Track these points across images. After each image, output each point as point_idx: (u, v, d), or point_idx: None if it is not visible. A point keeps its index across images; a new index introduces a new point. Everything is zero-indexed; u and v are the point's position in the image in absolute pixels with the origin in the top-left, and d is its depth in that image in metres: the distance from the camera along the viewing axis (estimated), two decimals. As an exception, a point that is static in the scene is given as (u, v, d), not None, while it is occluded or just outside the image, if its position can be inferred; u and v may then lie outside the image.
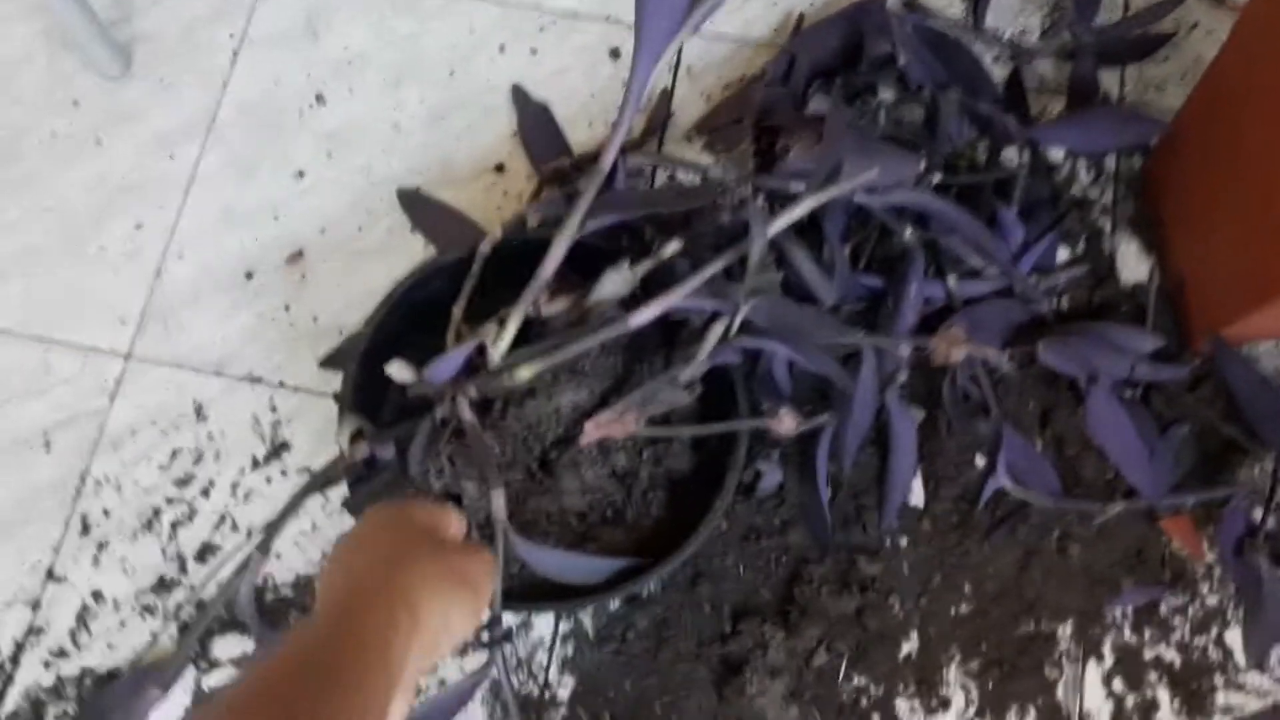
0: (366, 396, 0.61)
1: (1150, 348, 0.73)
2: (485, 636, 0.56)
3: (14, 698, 0.70)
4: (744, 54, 0.84)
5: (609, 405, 0.59)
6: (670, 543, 0.61)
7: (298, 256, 0.79)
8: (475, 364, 0.58)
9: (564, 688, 0.69)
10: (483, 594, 0.46)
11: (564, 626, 0.70)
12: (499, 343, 0.56)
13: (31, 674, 0.70)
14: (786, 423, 0.60)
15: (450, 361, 0.55)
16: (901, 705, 0.69)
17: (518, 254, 0.61)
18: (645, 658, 0.69)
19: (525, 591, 0.61)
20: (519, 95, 0.83)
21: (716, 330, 0.57)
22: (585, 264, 0.60)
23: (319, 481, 0.59)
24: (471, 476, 0.58)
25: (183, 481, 0.74)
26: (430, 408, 0.58)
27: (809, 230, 0.68)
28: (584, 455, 0.60)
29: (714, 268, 0.56)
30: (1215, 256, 0.72)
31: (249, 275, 0.79)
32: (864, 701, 0.69)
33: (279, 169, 0.81)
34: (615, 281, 0.56)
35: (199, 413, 0.76)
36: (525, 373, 0.55)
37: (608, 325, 0.55)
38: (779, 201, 0.59)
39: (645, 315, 0.55)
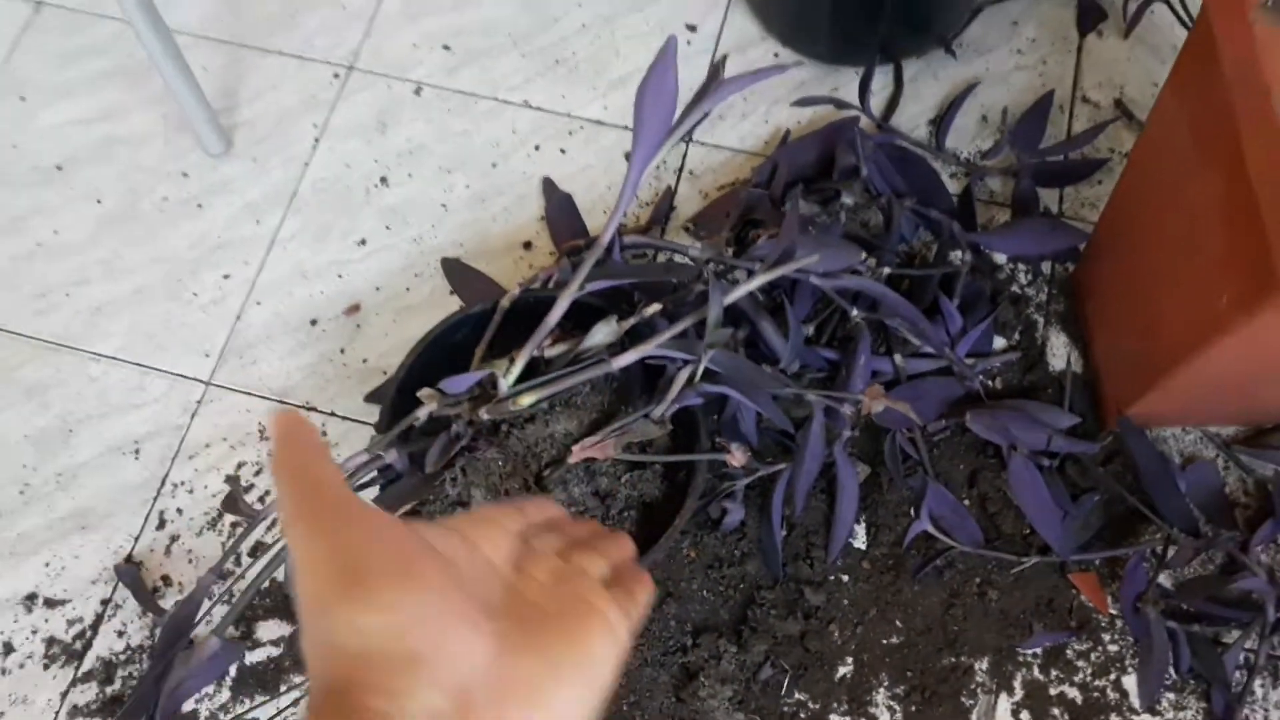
0: (398, 421, 0.76)
1: (1066, 424, 0.85)
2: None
3: (90, 659, 0.83)
4: (738, 161, 0.99)
5: (595, 434, 0.73)
6: (640, 553, 0.73)
7: (355, 309, 0.95)
8: (489, 393, 0.72)
9: (547, 683, 0.81)
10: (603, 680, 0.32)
11: (551, 630, 0.82)
12: (509, 375, 0.70)
13: (106, 641, 0.84)
14: (738, 456, 0.73)
15: (465, 380, 0.69)
16: None
17: (531, 309, 0.75)
18: (617, 661, 0.81)
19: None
20: (548, 186, 0.99)
21: (683, 376, 0.71)
22: (584, 319, 0.74)
23: (345, 474, 0.72)
24: (479, 485, 0.72)
25: (245, 489, 0.88)
26: (448, 426, 0.72)
27: (781, 309, 0.82)
28: (572, 474, 0.74)
29: (683, 325, 0.70)
30: (1120, 350, 0.84)
31: (313, 322, 0.95)
32: (802, 714, 0.80)
33: (345, 236, 0.98)
34: (604, 332, 0.71)
35: (262, 434, 0.90)
36: (527, 400, 0.69)
37: (595, 365, 0.69)
38: (742, 278, 0.73)
39: (626, 359, 0.69)
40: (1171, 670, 0.79)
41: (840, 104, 0.96)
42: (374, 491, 0.84)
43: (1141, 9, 1.00)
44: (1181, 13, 0.98)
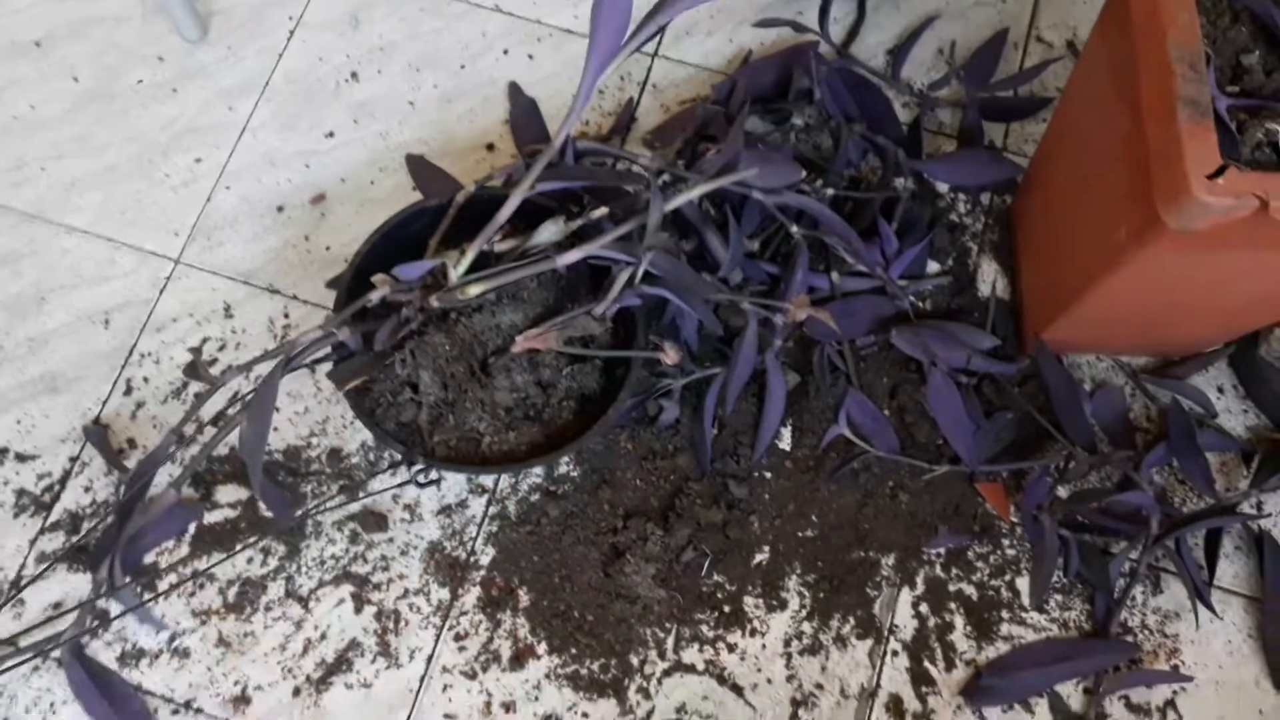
0: (353, 302, 0.80)
1: (986, 345, 0.90)
2: (420, 479, 0.75)
3: (58, 511, 0.89)
4: (701, 78, 1.03)
5: (539, 326, 0.77)
6: (575, 439, 0.79)
7: (320, 198, 0.98)
8: (440, 282, 0.77)
9: (485, 556, 0.87)
10: None
11: (493, 509, 0.88)
12: (459, 265, 0.74)
13: (74, 496, 0.89)
14: (670, 355, 0.78)
15: (417, 268, 0.73)
16: (749, 601, 0.87)
17: (486, 206, 0.79)
18: (552, 539, 0.87)
19: (460, 458, 0.79)
20: (514, 90, 1.02)
21: (624, 276, 0.75)
22: (534, 218, 0.78)
23: (298, 348, 0.76)
24: (427, 366, 0.77)
25: (208, 363, 0.93)
26: (399, 311, 0.76)
27: (728, 225, 0.87)
28: (516, 363, 0.79)
29: (626, 228, 0.75)
30: (1040, 278, 0.89)
31: (280, 209, 0.98)
32: (719, 595, 0.87)
33: (314, 128, 1.01)
34: (551, 230, 0.75)
35: (227, 311, 0.95)
36: (475, 289, 0.74)
37: (541, 261, 0.74)
38: (685, 187, 0.78)
39: (570, 257, 0.74)
40: (1060, 574, 0.86)
41: (800, 28, 0.99)
42: (327, 366, 0.89)
43: (1101, -48, 1.03)
44: (1137, -42, 1.01)
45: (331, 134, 1.00)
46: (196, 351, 0.92)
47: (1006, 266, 0.96)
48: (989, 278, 0.95)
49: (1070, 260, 0.81)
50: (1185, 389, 0.90)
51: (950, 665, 0.85)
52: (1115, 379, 0.93)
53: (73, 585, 0.86)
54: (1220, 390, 0.92)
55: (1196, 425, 0.87)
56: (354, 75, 1.03)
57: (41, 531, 0.88)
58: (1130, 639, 0.85)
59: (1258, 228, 0.56)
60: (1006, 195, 0.98)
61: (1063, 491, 0.88)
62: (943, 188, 0.98)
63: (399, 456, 0.88)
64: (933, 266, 0.96)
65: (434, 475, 0.83)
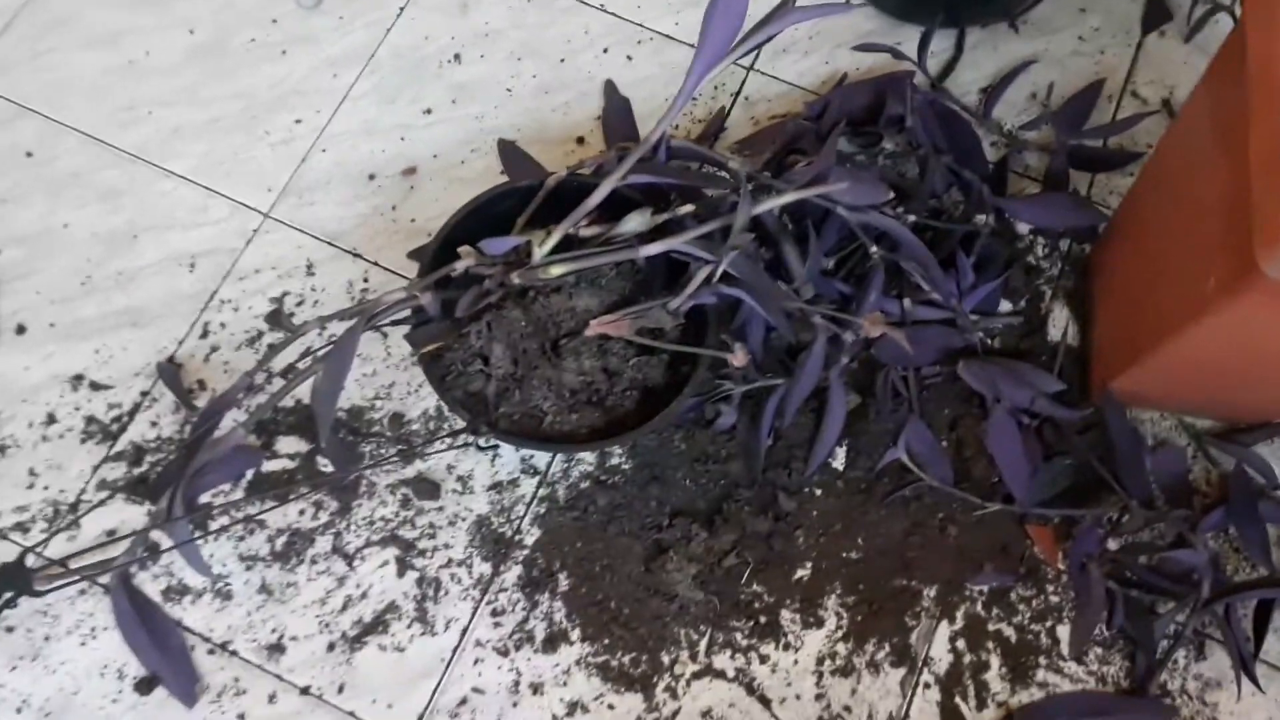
0: (437, 269, 0.82)
1: (1052, 389, 0.90)
2: (483, 444, 0.76)
3: (123, 442, 0.91)
4: (793, 96, 1.04)
5: (614, 314, 0.79)
6: (633, 430, 0.80)
7: (412, 171, 1.01)
8: (523, 260, 0.78)
9: (530, 536, 0.88)
10: None
11: (543, 491, 0.89)
12: (544, 245, 0.76)
13: (140, 429, 0.92)
14: (739, 356, 0.79)
15: (503, 243, 0.75)
16: (786, 615, 0.86)
17: (574, 193, 0.81)
18: (597, 528, 0.88)
19: (522, 433, 0.81)
20: (609, 88, 1.04)
21: (702, 273, 0.76)
22: (620, 210, 0.80)
23: (381, 306, 0.78)
24: (501, 340, 0.78)
25: (288, 316, 0.95)
26: (481, 283, 0.78)
27: (806, 238, 0.87)
28: (586, 347, 0.80)
29: (710, 226, 0.76)
30: (1116, 329, 0.89)
31: (371, 177, 1.01)
32: (757, 604, 0.87)
33: (413, 103, 1.04)
34: (637, 220, 0.76)
35: (309, 269, 0.97)
36: (557, 270, 0.75)
37: (624, 249, 0.75)
38: (773, 194, 0.79)
39: (653, 249, 0.75)
40: (1103, 627, 0.85)
41: (899, 55, 1.00)
42: (398, 333, 0.91)
43: (1206, 16, 1.03)
44: (1243, 24, 1.01)
45: (429, 111, 1.03)
46: (277, 302, 0.95)
47: (1079, 314, 0.95)
48: (1060, 323, 0.95)
49: (1150, 311, 0.80)
50: (1249, 456, 0.89)
51: (982, 704, 0.84)
52: (1178, 439, 0.92)
53: (128, 515, 0.89)
54: (1285, 463, 0.91)
55: (1258, 494, 0.86)
56: (457, 57, 1.05)
57: (106, 460, 0.90)
58: (1168, 701, 0.84)
59: (1356, 287, 0.56)
60: (1086, 244, 0.98)
61: (1113, 545, 0.87)
62: (1023, 229, 0.98)
63: (459, 426, 0.89)
64: (1004, 306, 0.96)
65: (493, 443, 0.84)
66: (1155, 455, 0.89)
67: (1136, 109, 1.03)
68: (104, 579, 0.85)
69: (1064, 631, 0.86)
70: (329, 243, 0.98)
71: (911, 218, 0.91)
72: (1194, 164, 0.73)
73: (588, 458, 0.90)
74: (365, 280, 0.97)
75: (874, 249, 0.87)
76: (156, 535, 0.86)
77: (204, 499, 0.89)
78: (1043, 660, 0.85)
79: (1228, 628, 0.83)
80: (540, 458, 0.90)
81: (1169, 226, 0.79)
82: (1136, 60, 1.05)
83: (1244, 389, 0.84)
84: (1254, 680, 0.83)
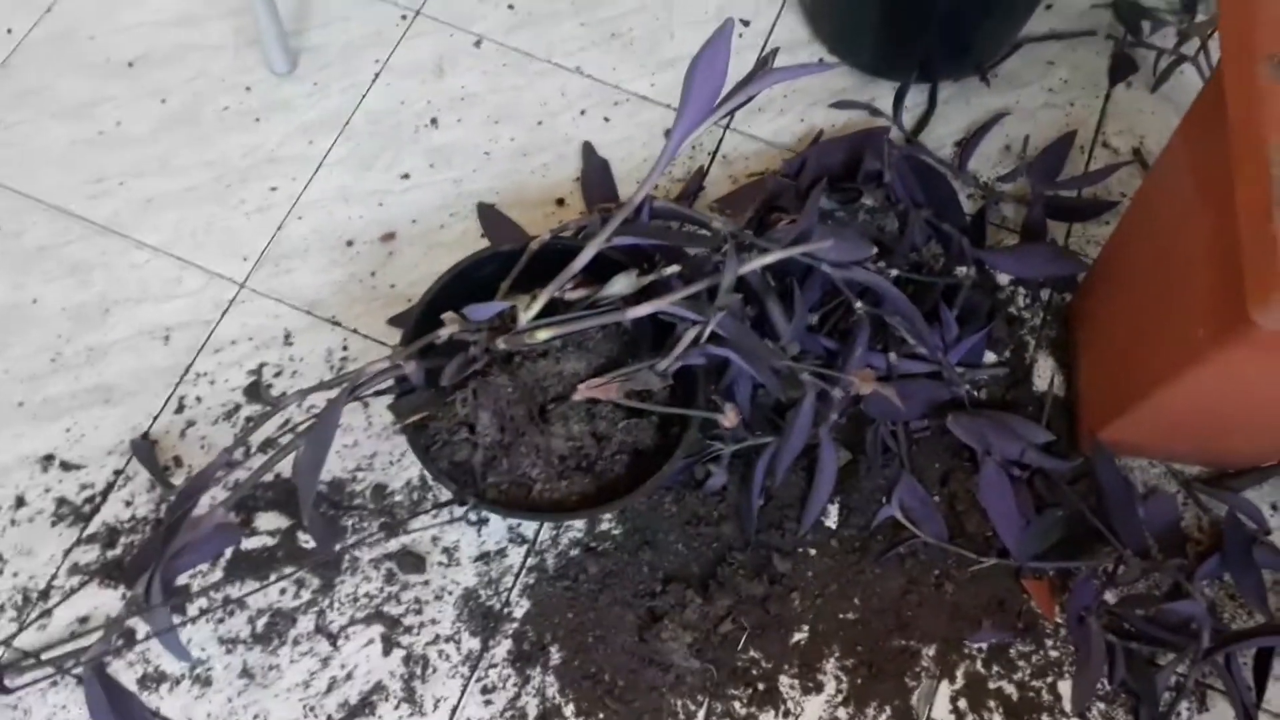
0: (421, 337, 0.81)
1: (1041, 440, 0.90)
2: (472, 516, 0.74)
3: (96, 523, 0.88)
4: (770, 153, 1.04)
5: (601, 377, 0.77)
6: (625, 496, 0.78)
7: (390, 236, 1.00)
8: (508, 325, 0.77)
9: (519, 608, 0.86)
10: None
11: (531, 560, 0.87)
12: (529, 310, 0.75)
13: (114, 509, 0.89)
14: (730, 417, 0.78)
15: (488, 309, 0.74)
16: (784, 680, 0.84)
17: (557, 256, 0.80)
18: (589, 597, 0.86)
19: (510, 503, 0.79)
20: (588, 150, 1.04)
21: (690, 334, 0.76)
22: (605, 272, 0.79)
23: (364, 377, 0.76)
24: (487, 407, 0.77)
25: (265, 387, 0.93)
26: (466, 350, 0.77)
27: (790, 295, 0.87)
28: (574, 412, 0.78)
29: (697, 287, 0.75)
30: (1102, 378, 0.89)
31: (349, 243, 1.00)
32: (754, 671, 0.85)
33: (390, 168, 1.03)
34: (623, 282, 0.76)
35: (287, 339, 0.95)
36: (543, 334, 0.74)
37: (611, 312, 0.74)
38: (757, 253, 0.78)
39: (640, 310, 0.74)
40: (1105, 681, 0.84)
41: (875, 112, 1.01)
42: (379, 402, 0.89)
43: (1171, 67, 1.05)
44: (1207, 73, 1.03)
45: (407, 175, 1.02)
46: (255, 374, 0.93)
47: (1063, 363, 0.95)
48: (1045, 372, 0.95)
49: (1137, 360, 0.80)
50: (1240, 502, 0.89)
51: (987, 765, 0.82)
52: (1167, 486, 0.92)
53: (102, 600, 0.85)
54: (1274, 507, 0.91)
55: (1251, 540, 0.86)
56: (433, 121, 1.05)
57: (78, 543, 0.87)
58: (1175, 755, 0.82)
59: (1347, 337, 0.56)
60: (1066, 293, 0.98)
61: (1110, 596, 0.87)
62: (1003, 280, 0.99)
63: (444, 498, 0.87)
64: (989, 357, 0.96)
65: (484, 515, 0.82)
66: (1147, 504, 0.89)
67: (1108, 159, 1.04)
68: (77, 670, 0.82)
69: (1065, 687, 0.85)
70: (307, 311, 0.96)
71: (894, 272, 0.91)
72: (1176, 215, 0.74)
73: (577, 524, 0.88)
74: (345, 348, 0.95)
75: (858, 304, 0.86)
76: (133, 621, 0.83)
77: (181, 580, 0.86)
78: (1046, 718, 0.84)
79: (1229, 677, 0.82)
80: (528, 526, 0.88)
81: (1153, 276, 0.79)
82: (1106, 111, 1.07)
83: (1234, 436, 0.84)
84: (1258, 730, 0.82)
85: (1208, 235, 0.67)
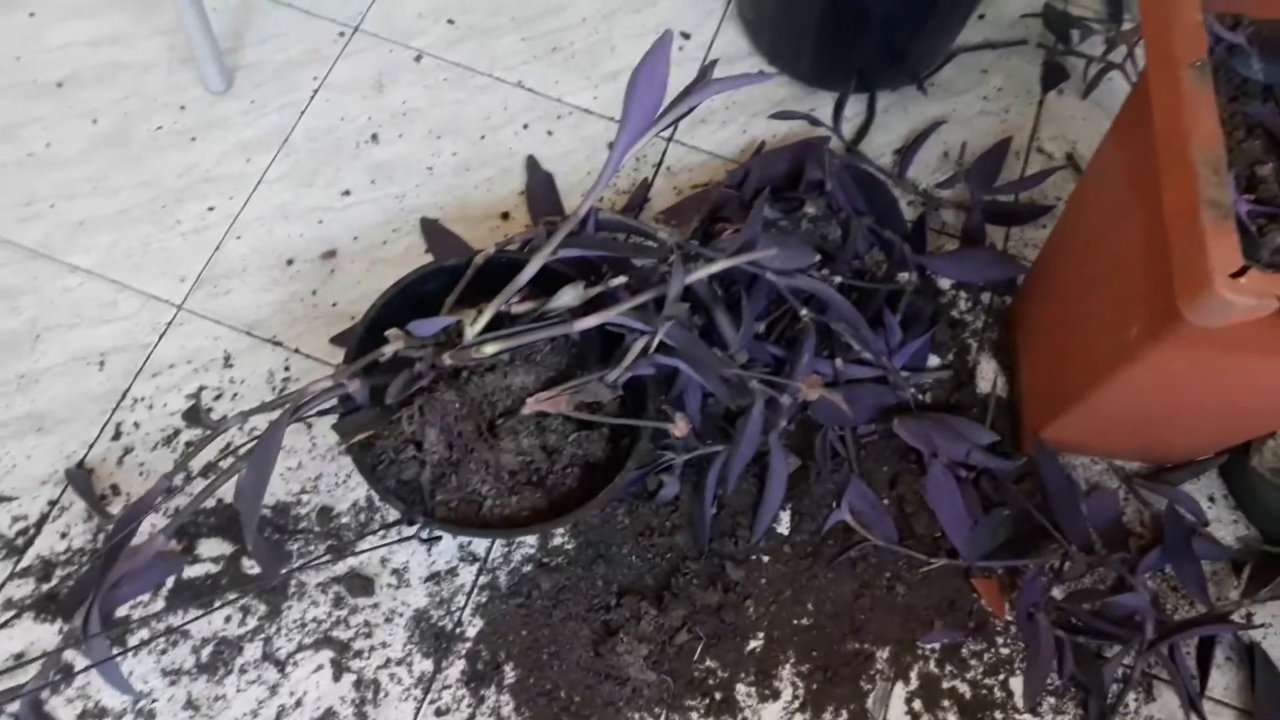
0: (365, 355, 0.79)
1: (985, 440, 0.91)
2: (424, 535, 0.73)
3: (30, 556, 0.85)
4: (714, 165, 1.05)
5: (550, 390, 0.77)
6: (577, 508, 0.78)
7: (331, 254, 0.98)
8: (454, 340, 0.77)
9: (473, 627, 0.85)
10: None
11: (483, 579, 0.86)
12: (475, 324, 0.74)
13: (49, 541, 0.86)
14: (681, 426, 0.78)
15: (432, 324, 0.73)
16: (741, 689, 0.84)
17: (502, 270, 0.79)
18: (543, 614, 0.85)
19: (460, 520, 0.78)
20: (532, 163, 1.03)
21: (639, 345, 0.76)
22: (552, 285, 0.79)
23: (307, 397, 0.75)
24: (435, 424, 0.76)
25: (205, 411, 0.91)
26: (411, 366, 0.76)
27: (738, 304, 0.87)
28: (524, 426, 0.78)
29: (644, 297, 0.75)
30: (1042, 378, 0.91)
31: (289, 262, 0.98)
32: (711, 681, 0.85)
33: (330, 185, 1.02)
34: (570, 294, 0.75)
35: (227, 360, 0.94)
36: (490, 349, 0.73)
37: (558, 324, 0.74)
38: (703, 263, 0.79)
39: (587, 322, 0.74)
40: (1055, 676, 0.85)
41: (815, 122, 1.03)
42: (323, 422, 0.88)
43: (1100, 74, 1.08)
44: (1134, 79, 1.06)
45: (348, 192, 1.01)
46: (194, 397, 0.91)
47: (1005, 365, 0.97)
48: (988, 374, 0.97)
49: (1074, 360, 0.82)
50: (1178, 495, 0.91)
51: (944, 765, 0.83)
52: (1109, 482, 0.94)
53: (38, 635, 0.83)
54: (1211, 499, 0.93)
55: (1190, 531, 0.88)
56: (374, 137, 1.04)
57: (11, 576, 0.84)
58: (1125, 747, 0.84)
59: (1273, 330, 0.57)
60: (1006, 296, 1.00)
61: (1057, 592, 0.88)
62: (945, 284, 1.00)
63: (392, 518, 0.86)
64: (933, 360, 0.97)
65: (435, 534, 0.81)
66: (1090, 500, 0.91)
67: (1043, 164, 1.06)
68: (12, 707, 0.79)
69: (1017, 684, 0.86)
70: (247, 332, 0.95)
71: (837, 279, 0.92)
72: (1108, 217, 0.75)
73: (530, 540, 0.87)
74: (287, 369, 0.93)
75: (804, 312, 0.87)
76: (70, 655, 0.80)
77: (122, 611, 0.84)
78: (999, 714, 0.85)
79: (1174, 667, 0.84)
80: (480, 543, 0.87)
81: (1088, 277, 0.81)
82: (1039, 117, 1.09)
83: (1169, 431, 0.86)
84: (1202, 718, 0.84)
85: (1139, 236, 0.68)
